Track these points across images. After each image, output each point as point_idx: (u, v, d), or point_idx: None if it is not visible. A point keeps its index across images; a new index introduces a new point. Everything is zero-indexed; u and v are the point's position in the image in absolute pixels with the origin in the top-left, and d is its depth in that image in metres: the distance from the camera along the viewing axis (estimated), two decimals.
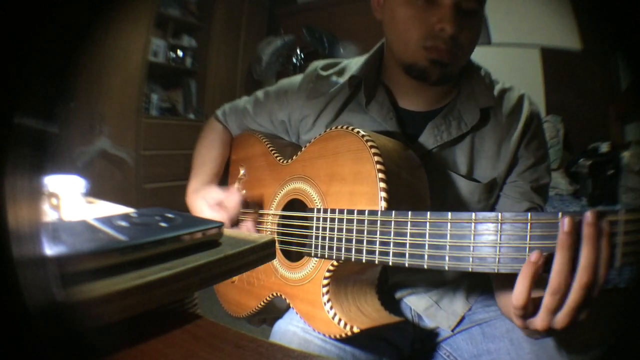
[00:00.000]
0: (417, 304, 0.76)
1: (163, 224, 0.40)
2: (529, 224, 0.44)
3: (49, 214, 0.47)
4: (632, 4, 0.32)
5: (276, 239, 0.75)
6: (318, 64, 0.85)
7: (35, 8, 0.25)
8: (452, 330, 0.75)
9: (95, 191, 0.63)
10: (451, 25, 0.61)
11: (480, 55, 0.75)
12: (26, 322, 0.25)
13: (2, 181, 0.24)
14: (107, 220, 0.40)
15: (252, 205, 0.80)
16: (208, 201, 0.74)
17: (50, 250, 0.29)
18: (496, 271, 0.45)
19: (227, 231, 0.42)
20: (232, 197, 0.73)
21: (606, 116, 2.35)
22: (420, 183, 0.64)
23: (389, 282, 0.76)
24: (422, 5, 0.63)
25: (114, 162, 2.43)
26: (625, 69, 2.10)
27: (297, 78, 0.85)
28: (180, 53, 2.93)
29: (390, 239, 0.54)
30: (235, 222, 0.74)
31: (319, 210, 0.65)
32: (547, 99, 2.55)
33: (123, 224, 0.39)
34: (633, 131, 2.25)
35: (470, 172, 0.72)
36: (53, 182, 0.53)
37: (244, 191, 0.85)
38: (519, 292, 0.44)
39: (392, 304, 0.76)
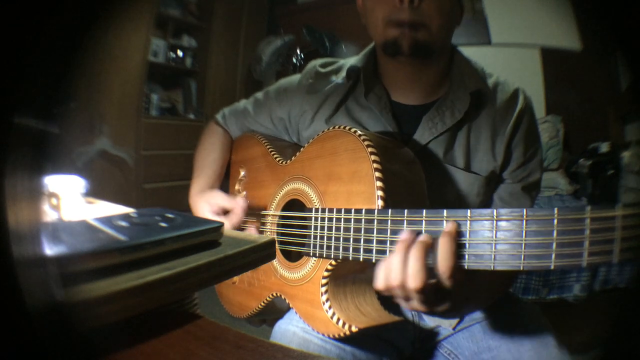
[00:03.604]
0: None
1: (163, 224, 0.40)
2: (524, 221, 0.43)
3: (49, 214, 0.47)
4: (632, 4, 0.32)
5: (276, 239, 0.75)
6: (316, 62, 0.86)
7: (36, 8, 0.25)
8: (454, 329, 0.74)
9: (95, 191, 0.63)
10: None
11: (480, 55, 0.75)
12: (26, 322, 0.25)
13: (2, 181, 0.24)
14: (107, 220, 0.40)
15: (253, 208, 0.80)
16: (212, 207, 0.75)
17: (50, 250, 0.29)
18: (492, 268, 0.45)
19: (227, 231, 0.42)
20: (237, 206, 0.73)
21: (606, 116, 2.35)
22: (417, 181, 0.64)
23: None
24: None
25: (114, 162, 2.43)
26: (625, 69, 2.09)
27: (296, 76, 0.87)
28: (180, 53, 2.93)
29: (387, 237, 0.54)
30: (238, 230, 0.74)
31: (317, 210, 0.65)
32: (547, 99, 2.55)
33: (123, 224, 0.39)
34: (633, 131, 2.24)
35: (468, 166, 0.72)
36: (53, 182, 0.53)
37: (245, 192, 0.85)
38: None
39: (392, 303, 0.76)
